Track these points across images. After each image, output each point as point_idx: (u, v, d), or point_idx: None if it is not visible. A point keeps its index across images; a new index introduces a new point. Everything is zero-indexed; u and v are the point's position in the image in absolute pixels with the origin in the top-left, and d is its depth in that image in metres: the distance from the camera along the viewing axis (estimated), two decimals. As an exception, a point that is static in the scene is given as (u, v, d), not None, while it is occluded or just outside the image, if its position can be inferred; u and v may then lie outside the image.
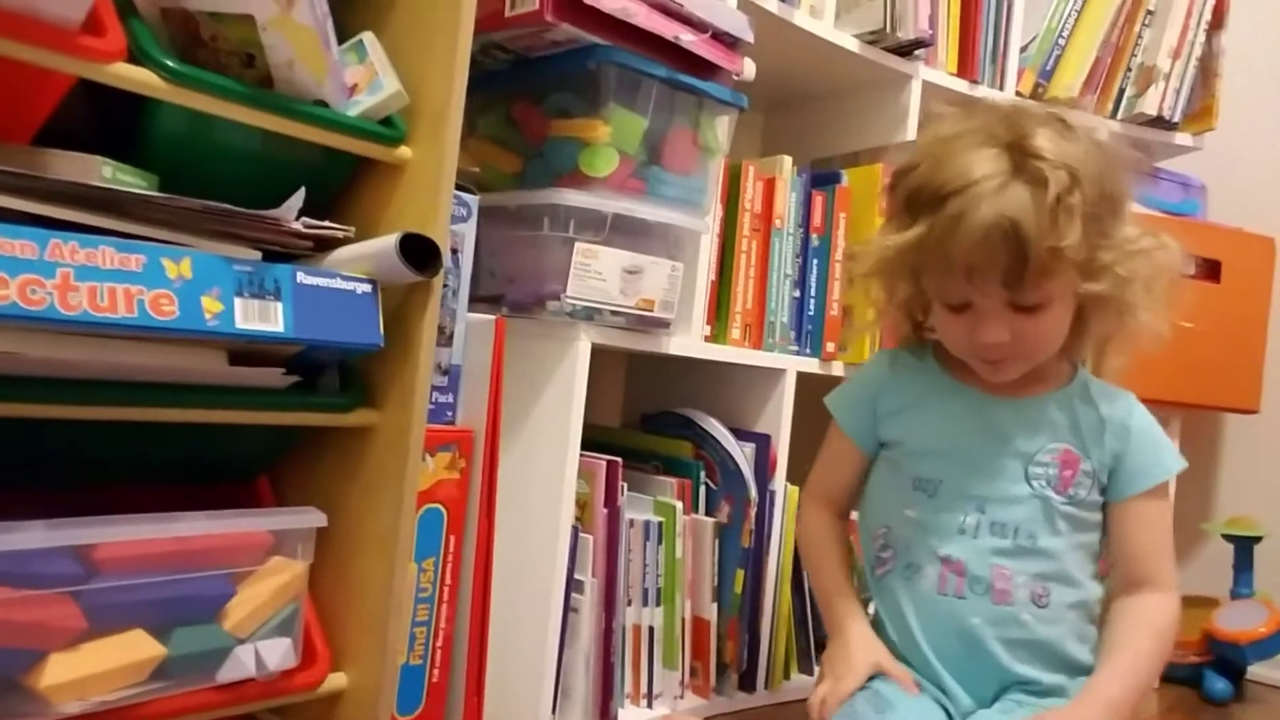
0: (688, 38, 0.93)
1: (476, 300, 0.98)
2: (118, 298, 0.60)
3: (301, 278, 0.70)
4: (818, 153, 1.42)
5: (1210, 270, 1.47)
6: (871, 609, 0.91)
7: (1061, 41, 1.49)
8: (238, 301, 0.66)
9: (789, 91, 1.44)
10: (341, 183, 0.85)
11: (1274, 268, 1.51)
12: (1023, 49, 1.49)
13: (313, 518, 0.76)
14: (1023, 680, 0.84)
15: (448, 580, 0.89)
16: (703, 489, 1.16)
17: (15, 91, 0.65)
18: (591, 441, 1.02)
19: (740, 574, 1.15)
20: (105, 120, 0.72)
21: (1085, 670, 0.84)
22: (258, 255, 0.70)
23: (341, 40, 0.82)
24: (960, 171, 0.78)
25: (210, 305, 0.64)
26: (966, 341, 0.84)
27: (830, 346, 1.25)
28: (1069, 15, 1.49)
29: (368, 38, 0.82)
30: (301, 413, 0.76)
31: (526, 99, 1.00)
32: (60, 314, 0.57)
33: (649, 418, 1.29)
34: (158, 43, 0.67)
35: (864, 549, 0.93)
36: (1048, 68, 1.49)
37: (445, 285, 0.89)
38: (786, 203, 1.21)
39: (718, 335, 1.17)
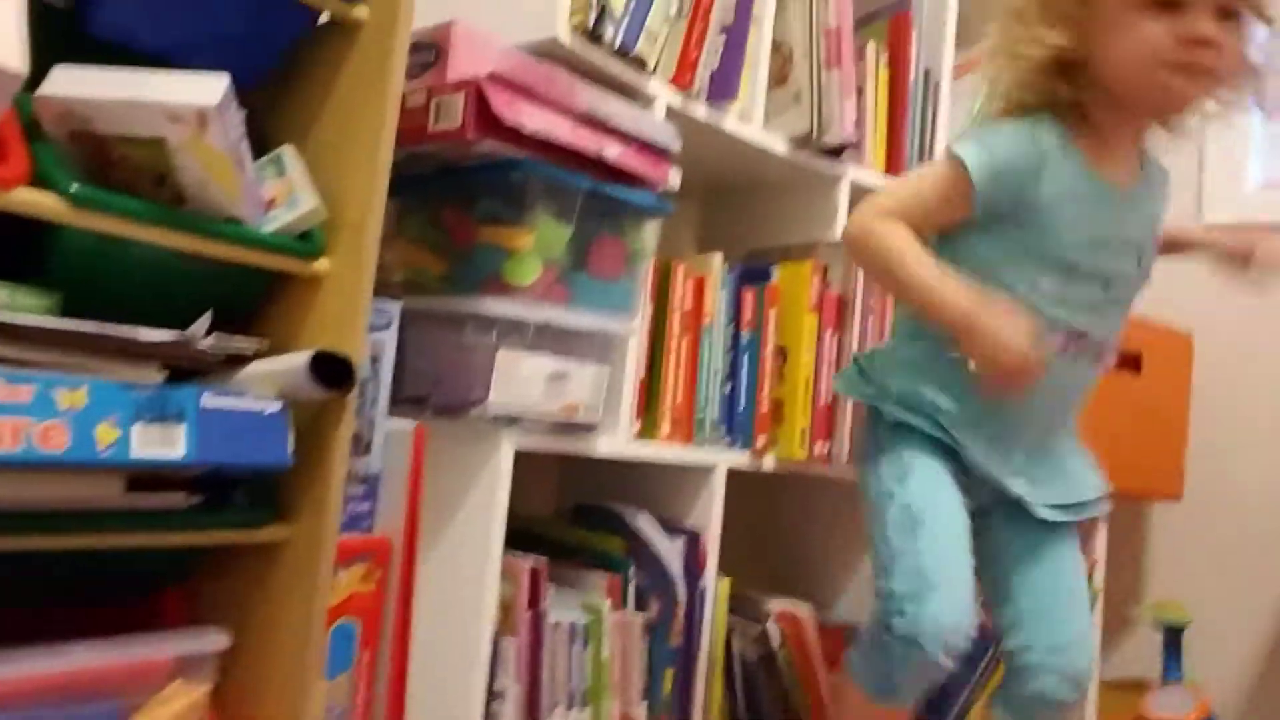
0: (612, 153, 0.94)
1: (401, 401, 0.98)
2: (3, 432, 0.58)
3: (206, 400, 0.69)
4: (752, 244, 1.45)
5: (1132, 362, 1.51)
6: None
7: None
8: (136, 428, 0.65)
9: (722, 185, 1.47)
10: (257, 294, 0.84)
11: (1192, 360, 1.56)
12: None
13: (214, 640, 0.74)
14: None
15: (361, 695, 0.87)
16: (632, 585, 1.15)
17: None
18: (521, 533, 1.01)
19: (670, 673, 1.14)
20: (3, 238, 0.71)
21: None
22: (161, 377, 0.69)
23: (263, 151, 0.82)
24: None
25: (105, 434, 0.63)
26: (1173, 40, 0.86)
27: (761, 441, 1.26)
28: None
29: (287, 151, 0.82)
30: (207, 532, 0.75)
31: (453, 204, 1.01)
32: (-57, 453, 0.56)
33: (581, 509, 1.28)
34: (63, 166, 0.67)
35: None
36: (973, 165, 1.53)
37: (363, 395, 0.89)
38: (716, 300, 1.23)
39: (647, 430, 1.18)
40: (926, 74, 1.49)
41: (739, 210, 1.50)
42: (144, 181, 0.73)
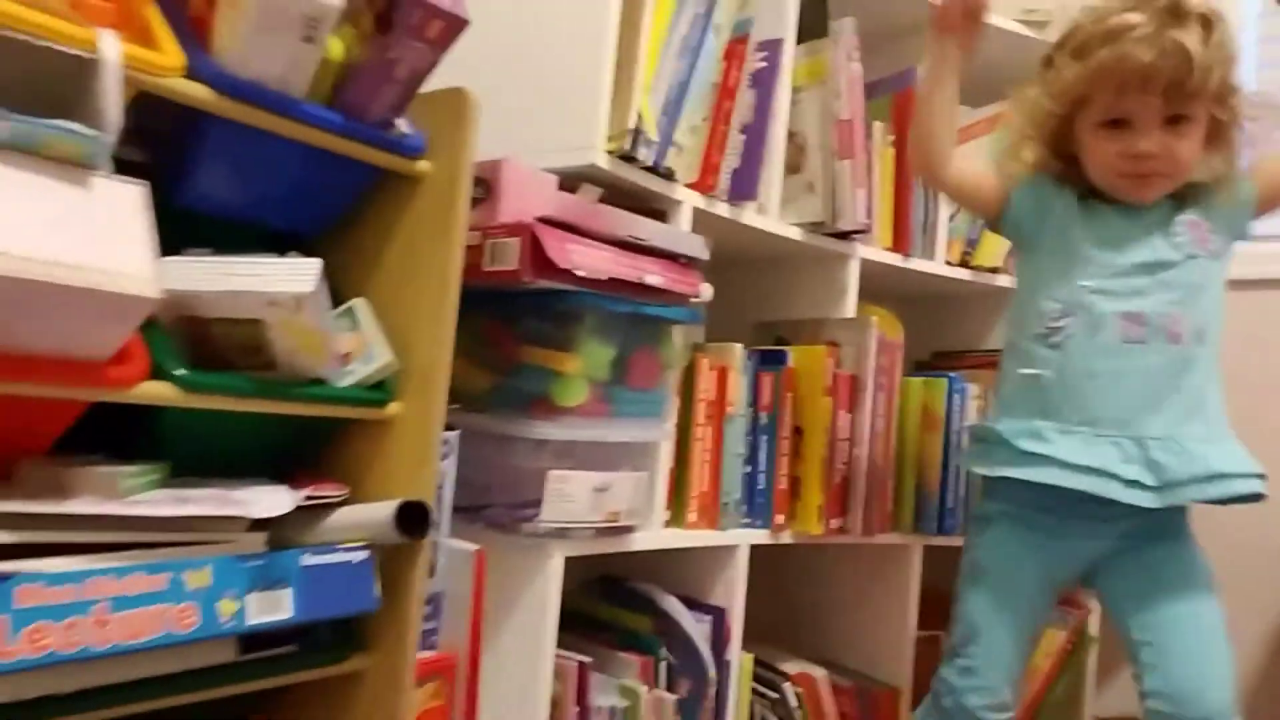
0: (654, 280, 1.01)
1: (456, 510, 1.03)
2: (145, 621, 0.64)
3: (306, 560, 0.75)
4: (761, 316, 1.52)
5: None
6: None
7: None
8: (250, 598, 0.71)
9: (733, 260, 1.53)
10: (332, 436, 0.90)
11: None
12: (951, 217, 1.60)
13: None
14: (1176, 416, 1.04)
15: (431, 802, 0.94)
16: (663, 666, 1.22)
17: (37, 415, 0.69)
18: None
19: (700, 747, 1.21)
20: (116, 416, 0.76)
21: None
22: (264, 538, 0.75)
23: (331, 293, 0.88)
24: (1130, 18, 1.00)
25: (226, 607, 0.69)
26: (1119, 157, 1.04)
27: (780, 518, 1.33)
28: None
29: (360, 305, 0.88)
30: (300, 672, 0.81)
31: (498, 320, 1.06)
32: (94, 651, 0.62)
33: (607, 584, 1.35)
34: (172, 353, 0.72)
35: (1024, 329, 1.12)
36: (973, 236, 1.61)
37: (430, 523, 0.95)
38: (739, 388, 1.29)
39: (675, 518, 1.24)
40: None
41: (749, 283, 1.57)
42: (239, 352, 0.79)
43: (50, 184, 0.62)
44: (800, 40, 1.36)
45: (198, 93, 0.73)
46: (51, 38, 0.65)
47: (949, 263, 1.58)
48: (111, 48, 0.66)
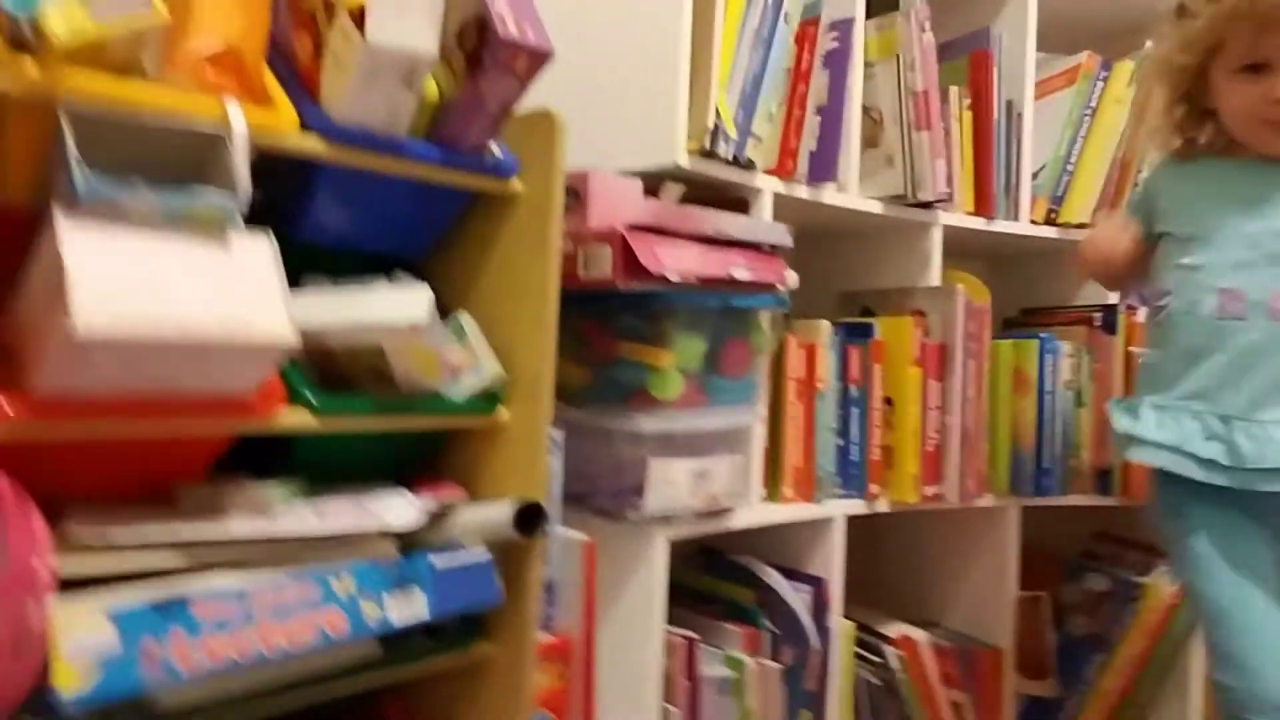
0: (741, 274, 1.05)
1: (563, 498, 1.10)
2: (302, 627, 0.72)
3: (436, 563, 0.83)
4: (845, 285, 1.54)
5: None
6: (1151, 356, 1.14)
7: (1070, 167, 1.59)
8: (390, 600, 0.79)
9: (818, 233, 1.56)
10: (446, 442, 0.97)
11: None
12: (1034, 175, 1.59)
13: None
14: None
15: (559, 774, 1.02)
16: (767, 636, 1.28)
17: (195, 447, 0.78)
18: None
19: (806, 714, 1.27)
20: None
21: None
22: (397, 546, 0.83)
23: (439, 314, 0.94)
24: None
25: (370, 610, 0.77)
26: (1262, 101, 1.02)
27: (874, 488, 1.37)
28: (1075, 141, 1.60)
29: (466, 320, 0.94)
30: (433, 662, 0.89)
31: (592, 318, 1.12)
32: (264, 656, 0.70)
33: (708, 555, 1.41)
34: (305, 382, 0.80)
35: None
36: (1058, 194, 1.59)
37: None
38: (827, 364, 1.33)
39: (771, 494, 1.29)
40: (1009, 105, 1.54)
41: (832, 255, 1.59)
42: (362, 373, 0.86)
43: (196, 247, 0.69)
44: (870, 15, 1.36)
45: (312, 145, 0.80)
46: (185, 115, 0.72)
47: (1034, 221, 1.57)
48: (239, 118, 0.73)
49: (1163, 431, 1.04)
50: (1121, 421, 1.11)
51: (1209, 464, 1.03)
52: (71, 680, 0.60)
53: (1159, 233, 1.14)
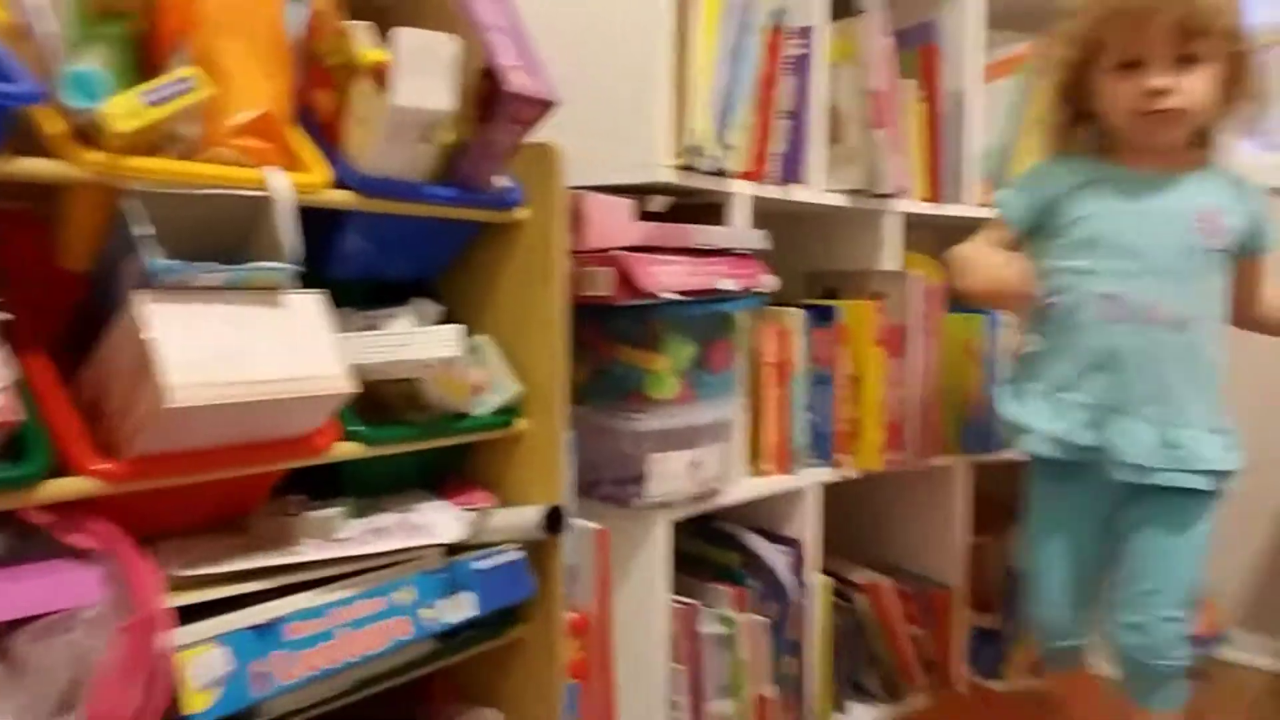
0: (727, 284, 1.15)
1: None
2: (376, 635, 0.83)
3: (478, 565, 0.94)
4: (808, 267, 1.66)
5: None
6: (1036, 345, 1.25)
7: (1009, 154, 1.71)
8: (443, 604, 0.90)
9: (786, 219, 1.66)
10: (472, 452, 1.08)
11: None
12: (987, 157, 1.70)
13: (494, 716, 1.01)
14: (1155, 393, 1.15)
15: (583, 732, 1.15)
16: (752, 593, 1.42)
17: (261, 479, 0.87)
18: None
19: (789, 659, 1.42)
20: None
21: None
22: (442, 553, 0.93)
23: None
24: None
25: (427, 614, 0.88)
26: (1136, 95, 1.12)
27: (842, 457, 1.50)
28: (1014, 129, 1.71)
29: (485, 343, 1.04)
30: (478, 647, 1.01)
31: (590, 325, 1.21)
32: (349, 662, 0.81)
33: (698, 524, 1.53)
34: (354, 413, 0.89)
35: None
36: (1001, 178, 1.71)
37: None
38: (799, 348, 1.44)
39: (752, 468, 1.42)
40: (956, 96, 1.65)
41: (799, 238, 1.69)
42: (396, 397, 0.96)
43: (257, 310, 0.78)
44: (835, 18, 1.45)
45: (344, 198, 0.88)
46: (231, 186, 0.79)
47: (981, 205, 1.69)
48: (281, 184, 0.81)
49: (1048, 420, 1.19)
50: (1010, 409, 1.24)
51: (1087, 450, 1.17)
52: (197, 703, 0.70)
53: (1046, 224, 1.23)
